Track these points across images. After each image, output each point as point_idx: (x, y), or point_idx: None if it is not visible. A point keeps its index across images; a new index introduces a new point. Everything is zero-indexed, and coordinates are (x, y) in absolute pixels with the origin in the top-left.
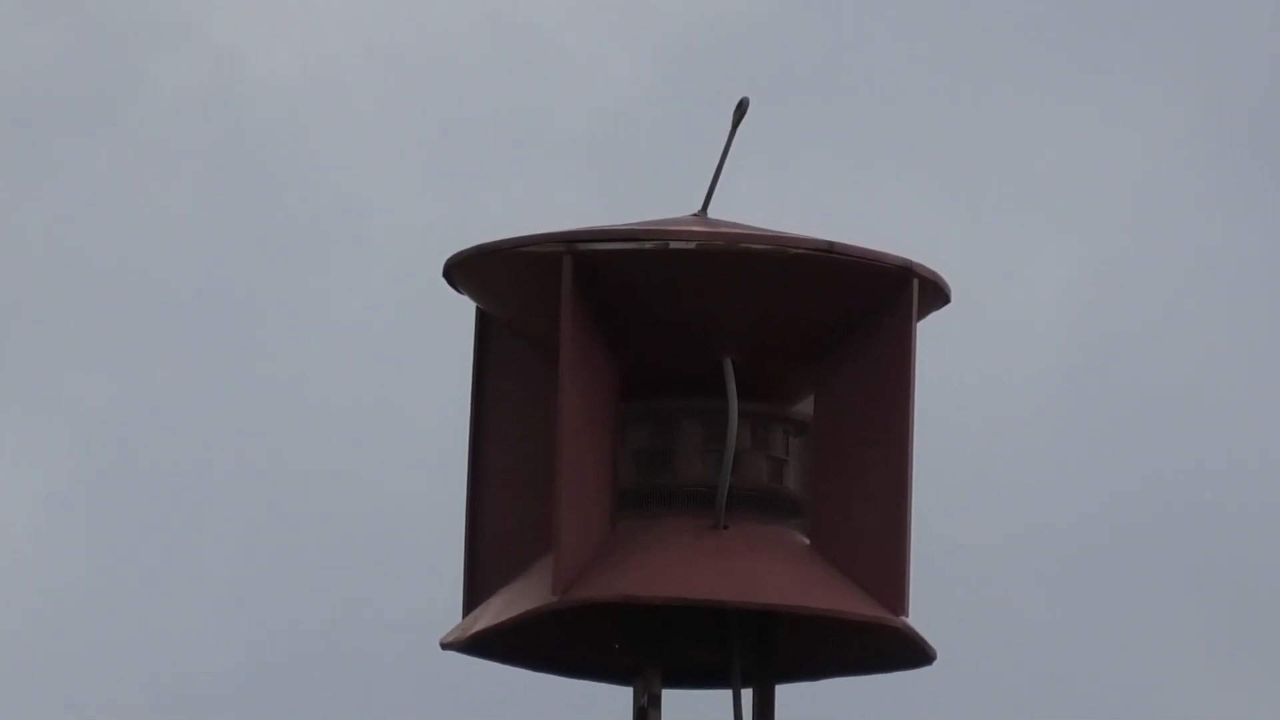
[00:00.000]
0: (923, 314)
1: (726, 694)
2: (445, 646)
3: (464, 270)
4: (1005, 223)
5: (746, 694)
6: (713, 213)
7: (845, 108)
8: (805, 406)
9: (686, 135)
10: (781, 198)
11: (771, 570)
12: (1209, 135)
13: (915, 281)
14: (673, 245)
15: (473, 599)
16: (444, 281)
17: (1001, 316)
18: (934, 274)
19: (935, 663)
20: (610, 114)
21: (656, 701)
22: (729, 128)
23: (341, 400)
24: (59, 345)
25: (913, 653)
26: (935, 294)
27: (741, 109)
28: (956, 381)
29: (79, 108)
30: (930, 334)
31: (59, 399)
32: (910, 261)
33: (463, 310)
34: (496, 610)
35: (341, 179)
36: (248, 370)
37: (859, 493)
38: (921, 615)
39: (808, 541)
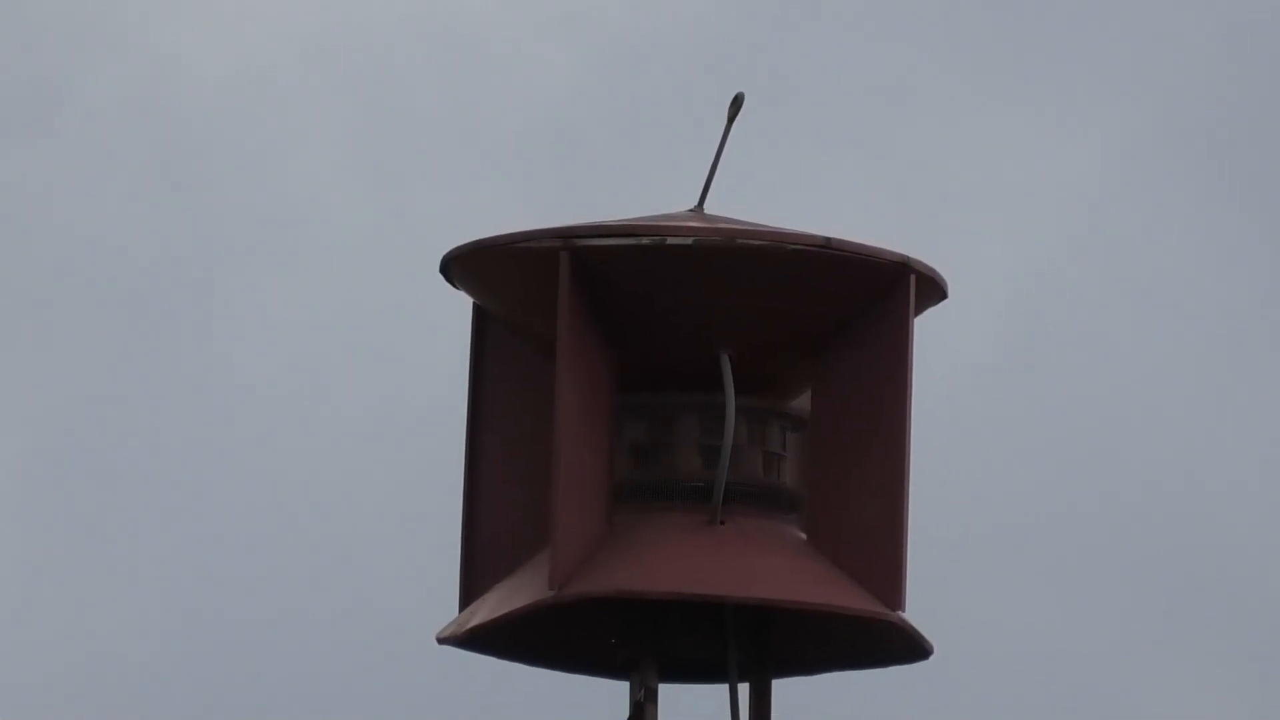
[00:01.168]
0: (920, 309)
1: (723, 688)
2: (442, 641)
3: (461, 266)
4: (955, 220)
5: (743, 688)
6: (709, 208)
7: (844, 107)
8: (802, 402)
9: (684, 131)
10: (778, 193)
11: (768, 565)
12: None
13: (912, 277)
14: (670, 241)
15: (469, 593)
16: (441, 277)
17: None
18: (931, 269)
19: (932, 657)
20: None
21: (653, 696)
22: (724, 123)
23: (339, 396)
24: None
25: (909, 647)
26: (932, 289)
27: (737, 104)
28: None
29: (16, 111)
30: (928, 329)
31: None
32: (907, 257)
33: (460, 306)
34: (493, 605)
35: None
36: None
37: (856, 488)
38: (918, 610)
39: (804, 536)
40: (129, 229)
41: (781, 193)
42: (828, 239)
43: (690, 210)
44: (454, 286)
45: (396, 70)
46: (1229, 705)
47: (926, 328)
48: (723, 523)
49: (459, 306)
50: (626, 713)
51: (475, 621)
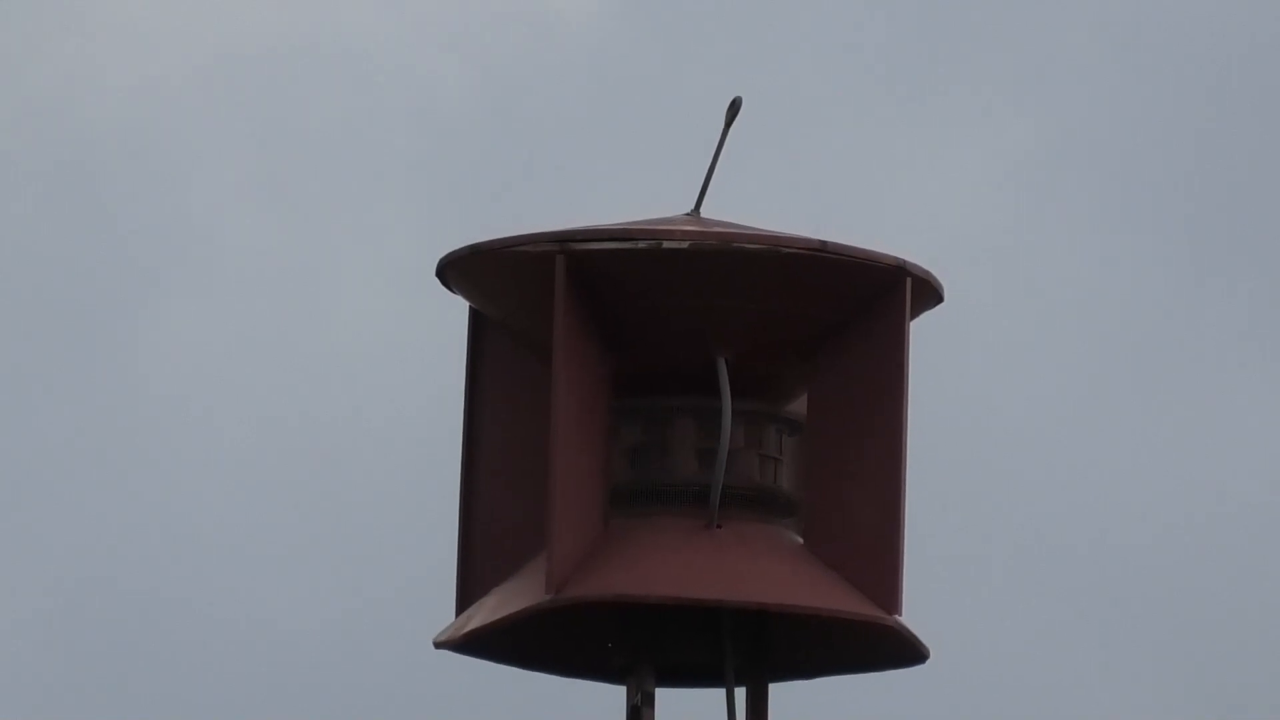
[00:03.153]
0: (916, 313)
1: (720, 693)
2: (439, 645)
3: (457, 270)
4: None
5: (740, 692)
6: (706, 212)
7: (843, 105)
8: (799, 405)
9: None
10: (774, 196)
11: (765, 569)
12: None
13: (908, 281)
14: (666, 245)
15: (466, 598)
16: (437, 281)
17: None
18: (927, 273)
19: (928, 661)
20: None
21: (650, 700)
22: (722, 126)
23: (336, 399)
24: None
25: (906, 651)
26: (928, 293)
27: (735, 108)
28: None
29: None
30: (923, 333)
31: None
32: (903, 260)
33: (456, 310)
34: (490, 609)
35: (182, 196)
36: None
37: (852, 492)
38: (914, 614)
39: (801, 540)
40: (33, 242)
41: (777, 197)
42: (824, 242)
43: (687, 214)
44: (450, 290)
45: (296, 87)
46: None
47: (923, 331)
48: (719, 526)
49: (455, 311)
50: (623, 717)
51: (472, 626)
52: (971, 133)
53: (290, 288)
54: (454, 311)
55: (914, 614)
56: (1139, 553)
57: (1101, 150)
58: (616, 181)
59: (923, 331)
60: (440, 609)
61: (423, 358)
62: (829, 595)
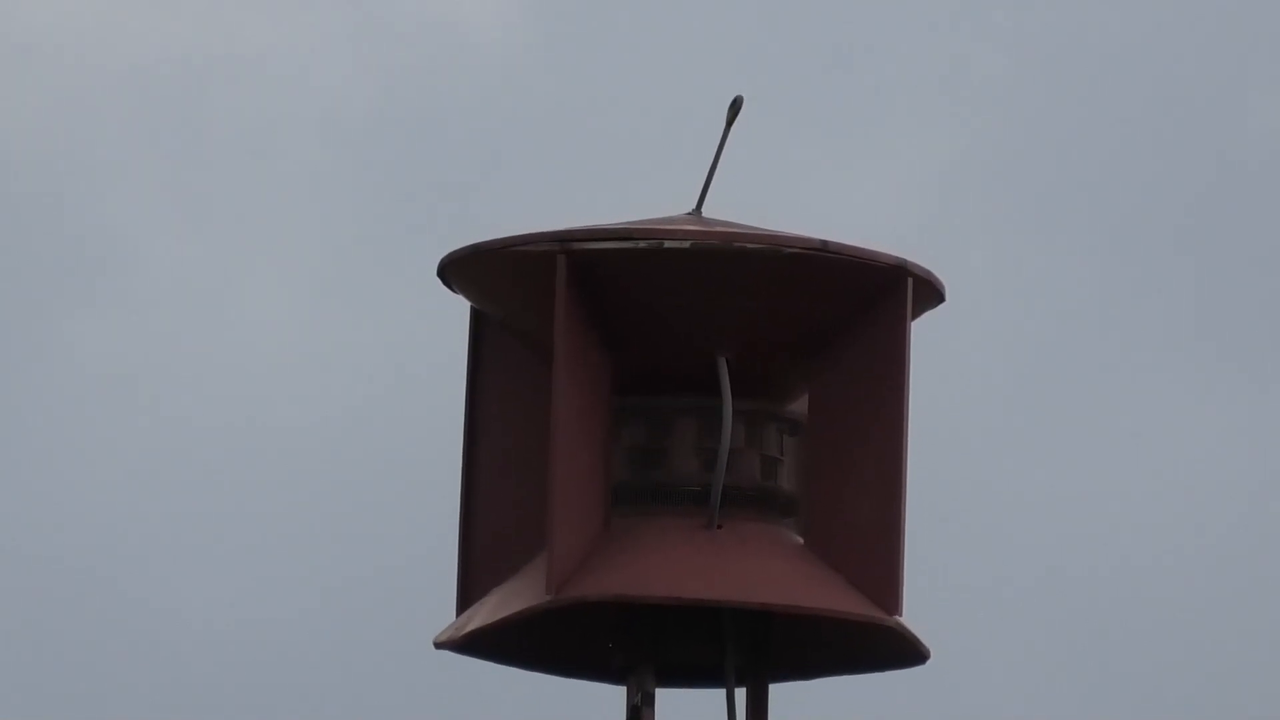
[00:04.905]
0: (917, 313)
1: (720, 693)
2: (439, 645)
3: (458, 269)
4: None
5: (740, 693)
6: (707, 211)
7: (841, 105)
8: (800, 405)
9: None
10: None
11: (765, 569)
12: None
13: (909, 280)
14: (667, 244)
15: (466, 598)
16: (438, 280)
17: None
18: (928, 273)
19: (929, 662)
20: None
21: (650, 700)
22: (723, 126)
23: (336, 399)
24: None
25: (906, 652)
26: (929, 293)
27: (736, 107)
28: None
29: None
30: (924, 333)
31: None
32: (904, 260)
33: (457, 309)
34: (490, 609)
35: (95, 208)
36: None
37: (853, 491)
38: (915, 614)
39: (802, 540)
40: None
41: (779, 196)
42: (825, 242)
43: (688, 213)
44: (451, 290)
45: (208, 99)
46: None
47: (923, 331)
48: (720, 527)
49: (457, 310)
50: (623, 717)
51: (472, 626)
52: (894, 143)
53: (206, 297)
54: (455, 311)
55: (914, 614)
56: (1139, 553)
57: (1024, 161)
58: (614, 182)
59: (924, 331)
60: (440, 609)
61: (423, 357)
62: (829, 595)
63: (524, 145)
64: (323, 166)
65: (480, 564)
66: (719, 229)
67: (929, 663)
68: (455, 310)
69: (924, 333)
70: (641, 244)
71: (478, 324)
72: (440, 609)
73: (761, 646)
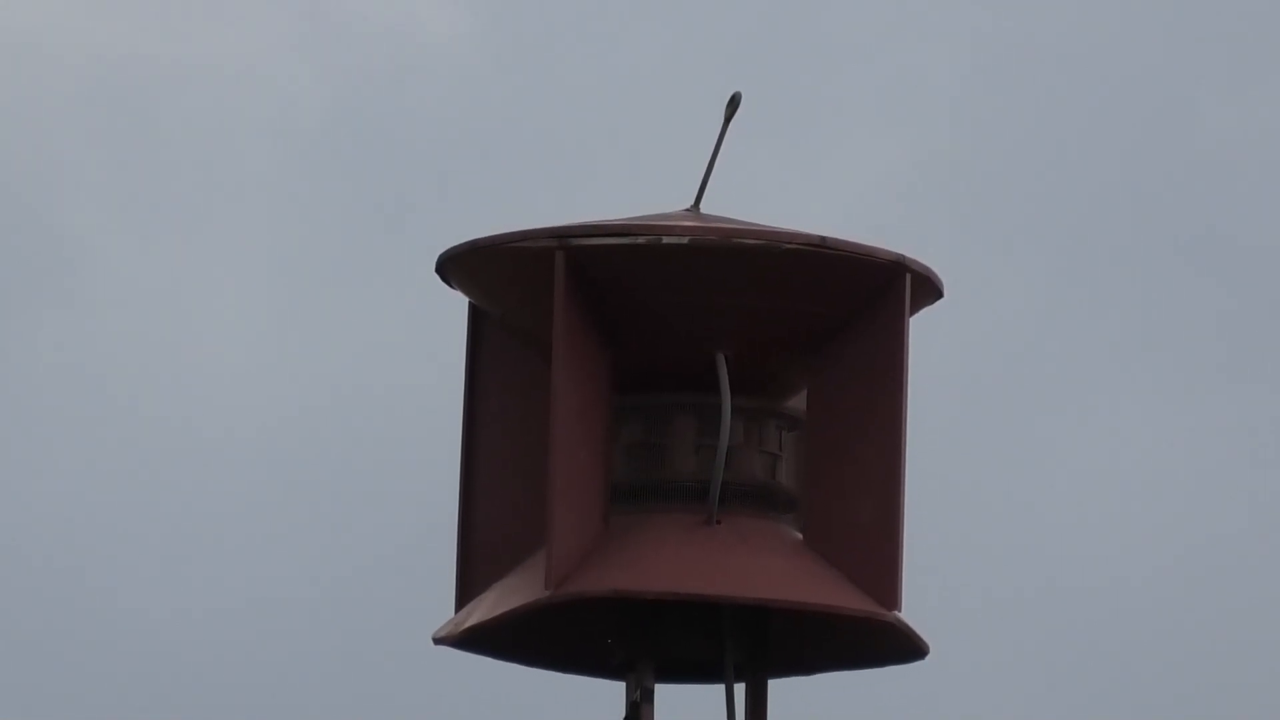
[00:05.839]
0: (915, 309)
1: (719, 688)
2: (438, 641)
3: (457, 266)
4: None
5: (740, 688)
6: (705, 208)
7: (840, 106)
8: (798, 401)
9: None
10: (774, 192)
11: (764, 565)
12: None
13: (908, 276)
14: (665, 240)
15: (466, 594)
16: (437, 277)
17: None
18: (926, 269)
19: (927, 657)
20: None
21: (649, 696)
22: (721, 122)
23: (335, 396)
24: None
25: (905, 647)
26: (928, 289)
27: (734, 104)
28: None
29: None
30: (923, 329)
31: None
32: (903, 256)
33: (456, 305)
34: (489, 605)
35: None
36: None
37: (852, 488)
38: (914, 610)
39: (800, 536)
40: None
41: (778, 192)
42: (823, 238)
43: (686, 209)
44: (450, 286)
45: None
46: (1232, 700)
47: (921, 327)
48: (719, 523)
49: (455, 306)
50: (623, 713)
51: (471, 622)
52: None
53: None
54: (454, 307)
55: (913, 610)
56: (1137, 552)
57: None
58: (615, 178)
59: (923, 327)
60: (439, 605)
61: (422, 353)
62: (829, 591)
63: (524, 146)
64: (272, 170)
65: (479, 560)
66: (717, 225)
67: (928, 658)
68: (454, 307)
69: (922, 331)
70: (640, 240)
71: (476, 321)
72: (439, 605)
73: (760, 642)
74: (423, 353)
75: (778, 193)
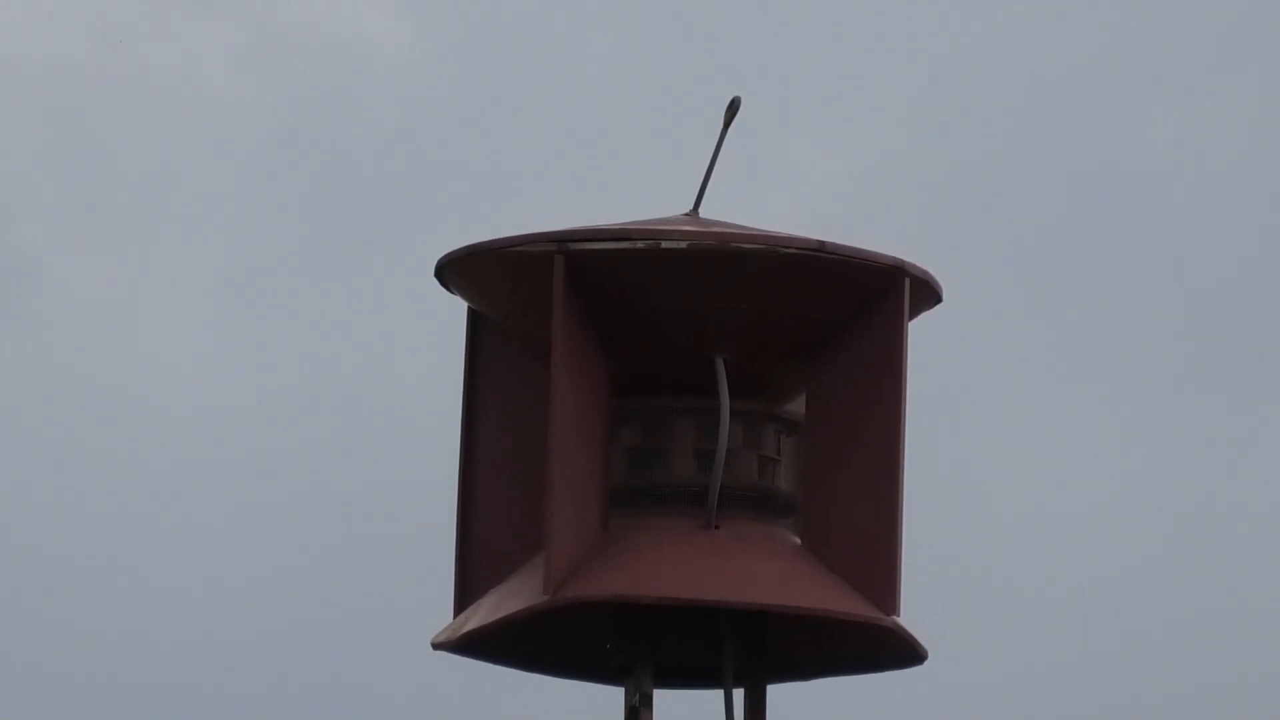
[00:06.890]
0: (914, 314)
1: (718, 693)
2: (436, 646)
3: (456, 270)
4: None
5: (738, 693)
6: (704, 212)
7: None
8: (797, 405)
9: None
10: (773, 197)
11: (763, 569)
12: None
13: (907, 281)
14: (664, 245)
15: (464, 598)
16: (435, 281)
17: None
18: (925, 273)
19: (926, 662)
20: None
21: (648, 701)
22: (720, 127)
23: (333, 399)
24: None
25: (904, 652)
26: (927, 293)
27: (733, 108)
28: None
29: None
30: (921, 334)
31: None
32: (901, 260)
33: (454, 310)
34: (488, 610)
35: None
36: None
37: (850, 492)
38: (913, 615)
39: (799, 540)
40: None
41: (776, 196)
42: (822, 242)
43: (685, 214)
44: (449, 291)
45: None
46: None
47: (920, 331)
48: (718, 527)
49: (454, 311)
50: (621, 718)
51: (470, 626)
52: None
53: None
54: (454, 312)
55: (912, 615)
56: (1137, 555)
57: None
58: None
59: (921, 332)
60: (438, 609)
61: (421, 358)
62: (827, 596)
63: (521, 146)
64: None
65: (478, 564)
66: (716, 229)
67: (926, 663)
68: (454, 311)
69: (921, 333)
70: (639, 244)
71: (475, 325)
72: (438, 609)
73: (759, 647)
74: (420, 358)
75: (778, 193)
